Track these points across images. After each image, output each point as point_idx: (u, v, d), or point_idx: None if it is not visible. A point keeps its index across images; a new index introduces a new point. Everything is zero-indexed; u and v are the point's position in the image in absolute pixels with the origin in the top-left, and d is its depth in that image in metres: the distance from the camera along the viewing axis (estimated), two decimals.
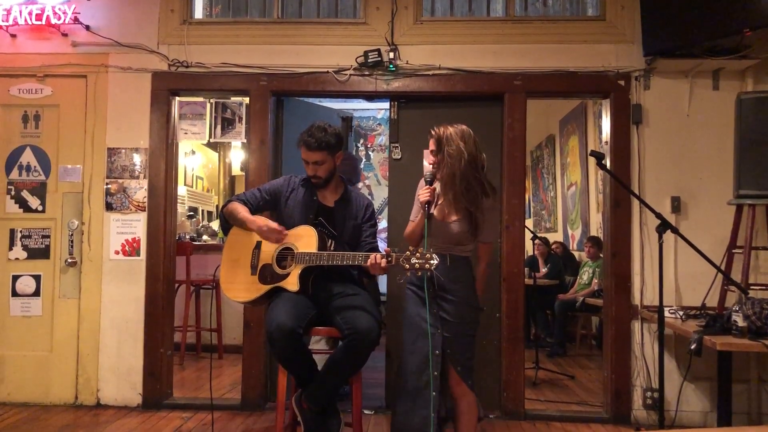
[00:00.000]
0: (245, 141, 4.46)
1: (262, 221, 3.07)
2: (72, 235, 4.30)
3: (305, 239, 3.01)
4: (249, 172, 4.35)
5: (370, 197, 7.76)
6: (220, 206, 3.31)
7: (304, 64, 4.26)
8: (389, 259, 2.80)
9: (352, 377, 2.99)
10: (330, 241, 3.09)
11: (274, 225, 3.03)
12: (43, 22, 4.27)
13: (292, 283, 2.95)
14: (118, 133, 4.32)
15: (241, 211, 3.16)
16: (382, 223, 6.05)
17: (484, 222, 2.94)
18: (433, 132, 3.02)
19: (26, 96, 4.38)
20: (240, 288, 3.12)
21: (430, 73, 4.21)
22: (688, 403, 3.99)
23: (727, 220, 3.82)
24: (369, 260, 2.83)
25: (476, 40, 4.23)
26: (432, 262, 2.70)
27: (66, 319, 4.29)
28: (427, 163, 3.07)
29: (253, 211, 3.23)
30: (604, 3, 4.22)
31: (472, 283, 3.05)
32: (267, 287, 3.02)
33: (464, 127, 2.98)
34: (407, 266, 2.72)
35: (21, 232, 4.34)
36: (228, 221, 3.24)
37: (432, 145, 3.03)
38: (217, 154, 9.26)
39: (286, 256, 3.04)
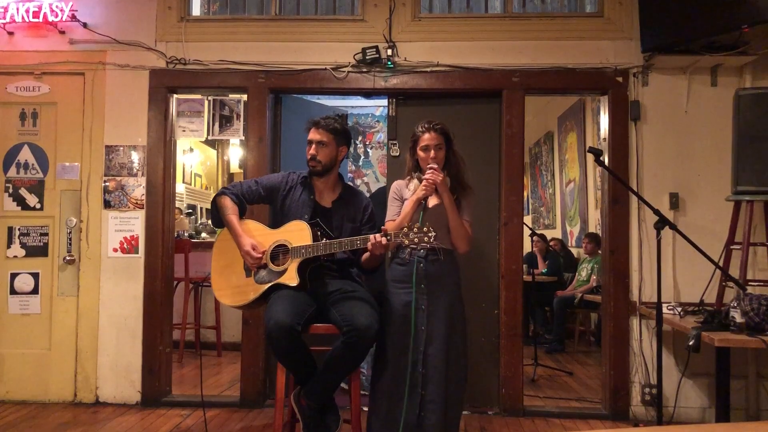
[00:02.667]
0: (243, 138, 4.45)
1: (245, 243, 3.02)
2: (70, 232, 4.30)
3: (298, 234, 3.00)
4: (247, 170, 4.35)
5: (368, 195, 7.75)
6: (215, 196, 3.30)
7: (302, 61, 4.26)
8: (388, 237, 2.81)
9: (351, 374, 2.99)
10: (326, 240, 3.07)
11: (255, 254, 2.99)
12: (41, 20, 4.26)
13: (290, 278, 2.94)
14: (116, 130, 4.32)
15: (230, 211, 3.14)
16: None
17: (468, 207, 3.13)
18: (439, 126, 3.09)
19: (24, 94, 4.37)
20: (235, 292, 3.10)
21: (428, 70, 4.21)
22: (687, 399, 4.00)
23: (726, 217, 3.83)
24: (369, 241, 2.83)
25: (474, 36, 4.23)
26: (430, 234, 2.72)
27: (64, 317, 4.29)
28: (429, 158, 3.06)
29: (248, 204, 3.23)
30: None
31: (460, 280, 3.09)
32: (264, 286, 3.00)
33: None
34: (406, 241, 2.75)
35: (19, 229, 4.34)
36: (218, 213, 3.22)
37: (436, 140, 3.07)
38: (215, 152, 9.26)
39: (278, 253, 3.03)
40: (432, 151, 3.05)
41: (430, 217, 2.94)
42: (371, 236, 2.84)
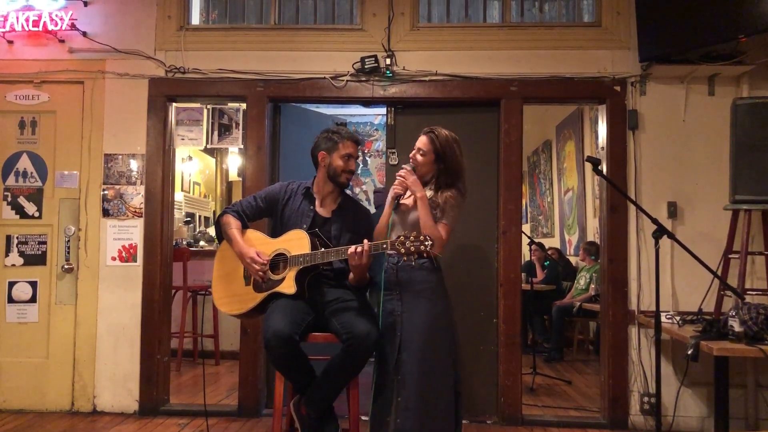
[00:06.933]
0: (242, 147, 4.46)
1: (248, 252, 3.01)
2: (69, 241, 4.29)
3: (297, 242, 2.99)
4: (246, 178, 4.35)
5: (367, 203, 7.76)
6: (217, 214, 3.28)
7: (301, 70, 4.27)
8: (384, 245, 2.80)
9: (350, 382, 2.98)
10: (323, 249, 3.06)
11: (259, 260, 2.98)
12: (40, 29, 4.28)
13: (288, 287, 2.94)
14: (115, 139, 4.32)
15: (233, 226, 3.13)
16: None
17: (450, 211, 3.03)
18: (434, 136, 3.06)
19: (23, 102, 4.38)
20: (234, 300, 3.10)
21: (427, 79, 4.22)
22: (686, 409, 3.99)
23: (724, 226, 3.84)
24: (350, 249, 2.81)
25: (473, 46, 4.25)
26: (427, 243, 2.69)
27: (62, 326, 4.27)
28: (410, 157, 3.11)
29: (250, 220, 3.23)
30: (599, 9, 4.24)
31: (439, 284, 3.05)
32: (262, 295, 3.00)
33: (454, 134, 3.10)
34: (402, 250, 2.71)
35: (17, 238, 4.33)
36: (221, 231, 3.22)
37: (421, 144, 3.06)
38: (214, 160, 9.25)
39: (278, 262, 3.03)
40: (413, 151, 3.08)
41: (398, 217, 2.99)
42: (351, 247, 2.82)
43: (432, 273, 3.04)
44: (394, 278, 2.99)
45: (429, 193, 3.04)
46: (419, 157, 3.06)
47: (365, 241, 2.84)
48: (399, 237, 2.73)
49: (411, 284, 2.98)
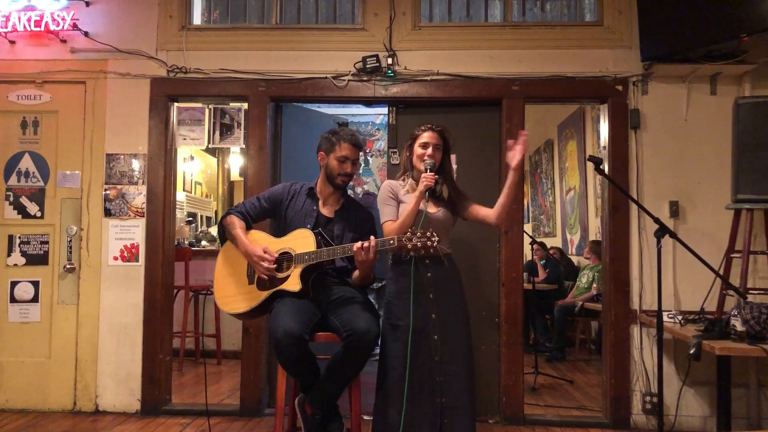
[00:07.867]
0: (244, 146, 4.46)
1: (256, 250, 3.02)
2: (71, 241, 4.30)
3: (302, 241, 3.00)
4: (247, 178, 4.36)
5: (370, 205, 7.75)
6: (220, 215, 3.29)
7: (303, 69, 4.27)
8: (391, 241, 2.80)
9: (352, 380, 2.97)
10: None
11: (267, 257, 2.98)
12: (42, 29, 4.28)
13: (293, 284, 2.94)
14: (117, 139, 4.33)
15: (237, 226, 3.14)
16: None
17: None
18: (440, 128, 3.12)
19: (25, 102, 4.38)
20: (238, 299, 3.10)
21: (428, 78, 4.22)
22: (688, 408, 3.99)
23: (726, 225, 3.83)
24: (356, 245, 2.82)
25: (474, 45, 4.24)
26: (434, 239, 2.70)
27: (64, 325, 4.28)
28: (426, 155, 3.07)
29: (254, 221, 3.23)
30: (601, 8, 4.24)
31: (463, 284, 3.09)
32: (267, 293, 3.00)
33: None
34: (409, 246, 2.72)
35: (20, 238, 4.34)
36: (225, 231, 3.23)
37: (436, 140, 3.09)
38: (215, 160, 9.27)
39: (283, 261, 3.03)
40: (431, 149, 3.06)
41: (430, 224, 2.92)
42: (358, 243, 2.83)
43: (459, 272, 3.09)
44: (430, 280, 2.96)
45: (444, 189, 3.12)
46: (438, 155, 3.10)
47: (371, 237, 2.85)
48: (406, 233, 2.74)
49: (446, 284, 2.99)
